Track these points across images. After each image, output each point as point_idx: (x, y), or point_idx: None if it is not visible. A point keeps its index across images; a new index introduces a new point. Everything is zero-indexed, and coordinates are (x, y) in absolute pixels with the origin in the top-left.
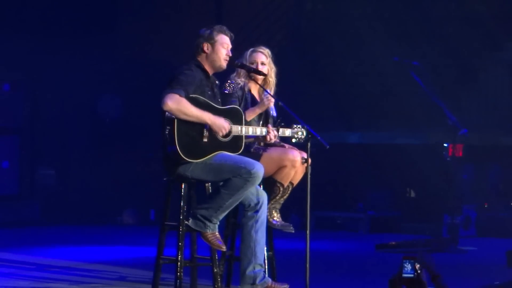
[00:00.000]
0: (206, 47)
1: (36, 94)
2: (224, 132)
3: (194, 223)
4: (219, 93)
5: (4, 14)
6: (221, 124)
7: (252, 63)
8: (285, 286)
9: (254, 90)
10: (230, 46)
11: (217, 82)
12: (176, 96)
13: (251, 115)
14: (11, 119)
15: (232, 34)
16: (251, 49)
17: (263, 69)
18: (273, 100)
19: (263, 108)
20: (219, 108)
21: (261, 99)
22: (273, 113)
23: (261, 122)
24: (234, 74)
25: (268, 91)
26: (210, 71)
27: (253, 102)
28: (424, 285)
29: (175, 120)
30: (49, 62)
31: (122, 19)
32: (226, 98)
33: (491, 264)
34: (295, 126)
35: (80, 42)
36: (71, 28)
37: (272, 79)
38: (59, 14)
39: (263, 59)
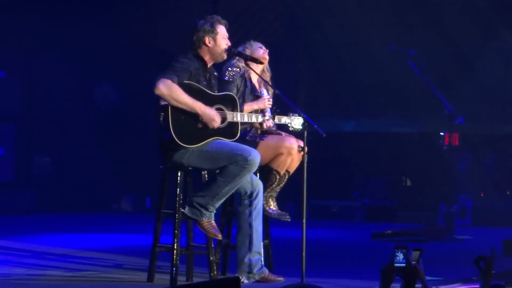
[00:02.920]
0: (208, 40)
1: (32, 81)
2: (215, 125)
3: (190, 211)
4: (216, 84)
5: (0, 1)
6: (210, 117)
7: (260, 47)
8: (281, 279)
9: (254, 77)
10: (227, 35)
11: (215, 73)
12: (168, 81)
13: (248, 109)
14: (7, 106)
15: (226, 22)
16: (251, 40)
17: (266, 53)
18: (271, 103)
19: (261, 107)
20: (213, 95)
21: (260, 99)
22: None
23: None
24: (235, 60)
25: (265, 92)
26: (210, 62)
27: (252, 90)
28: (419, 274)
29: (169, 106)
30: (45, 49)
31: (119, 6)
32: (224, 85)
33: (487, 253)
34: (291, 114)
35: (77, 29)
36: (68, 15)
37: (269, 72)
38: (56, 1)
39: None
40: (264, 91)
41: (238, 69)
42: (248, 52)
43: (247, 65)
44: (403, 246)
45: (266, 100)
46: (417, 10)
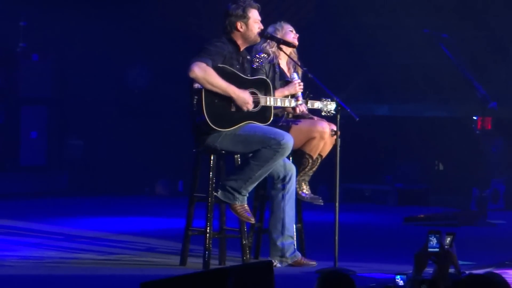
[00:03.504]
0: (239, 25)
1: (64, 64)
2: (249, 107)
3: (223, 194)
4: (249, 68)
5: None
6: (244, 100)
7: (291, 30)
8: (314, 263)
9: (283, 62)
10: (260, 19)
11: (248, 57)
12: (203, 65)
13: (279, 95)
14: (39, 89)
15: (259, 5)
16: (282, 21)
17: (296, 38)
18: (302, 87)
19: (292, 92)
20: (246, 78)
21: (290, 84)
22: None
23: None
24: (264, 44)
25: (296, 76)
26: (243, 46)
27: (281, 76)
28: (452, 258)
29: (203, 90)
30: (77, 32)
31: None
32: (253, 74)
33: None
34: (323, 99)
35: (108, 12)
36: None
37: (296, 55)
38: None
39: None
40: (295, 75)
41: (266, 55)
42: (279, 34)
43: (280, 48)
44: (437, 231)
45: (297, 85)
46: None
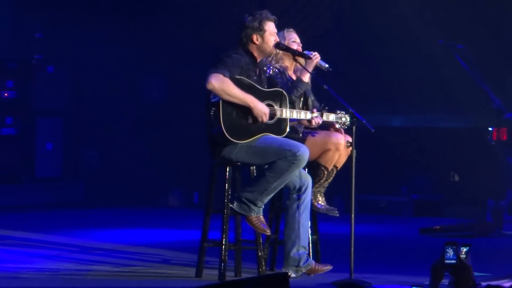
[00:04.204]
0: (255, 38)
1: (80, 75)
2: (265, 119)
3: (238, 206)
4: (266, 79)
5: None
6: (262, 110)
7: (294, 41)
8: (329, 267)
9: (290, 71)
10: (276, 31)
11: (265, 68)
12: (220, 76)
13: (306, 76)
14: (55, 101)
15: (275, 18)
16: (285, 29)
17: (300, 47)
18: (318, 55)
19: (313, 65)
20: (263, 90)
21: (307, 61)
22: (325, 64)
23: (300, 105)
24: (269, 58)
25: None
26: (259, 58)
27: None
28: (468, 269)
29: (220, 101)
30: (93, 43)
31: (169, 0)
32: (270, 81)
33: None
34: (338, 111)
35: (124, 23)
36: (116, 9)
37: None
38: None
39: (298, 39)
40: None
41: (275, 69)
42: (284, 43)
43: (295, 60)
44: (453, 242)
45: (314, 57)
46: (465, 4)
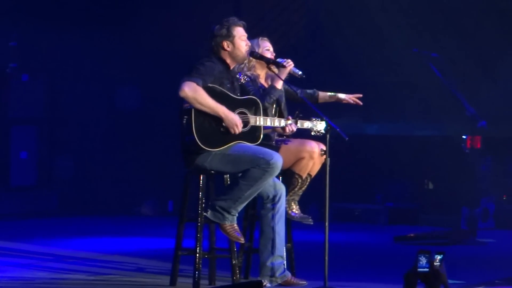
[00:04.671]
0: (226, 45)
1: (54, 84)
2: (237, 131)
3: (212, 214)
4: (239, 87)
5: (22, 4)
6: (233, 121)
7: (268, 49)
8: (304, 282)
9: (262, 79)
10: (246, 35)
11: (237, 76)
12: (193, 84)
13: (279, 83)
14: (29, 109)
15: (244, 23)
16: (259, 37)
17: (273, 56)
18: (291, 62)
19: (286, 72)
20: (236, 98)
21: (279, 69)
22: (298, 71)
23: (273, 112)
24: (241, 65)
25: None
26: (232, 65)
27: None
28: (441, 278)
29: (193, 109)
30: (67, 52)
31: (143, 8)
32: (242, 89)
33: (510, 256)
34: (313, 118)
35: (98, 32)
36: (90, 17)
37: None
38: (78, 3)
39: (271, 47)
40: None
41: (246, 77)
42: (259, 51)
43: (269, 68)
44: (426, 251)
45: (286, 63)
46: (439, 13)
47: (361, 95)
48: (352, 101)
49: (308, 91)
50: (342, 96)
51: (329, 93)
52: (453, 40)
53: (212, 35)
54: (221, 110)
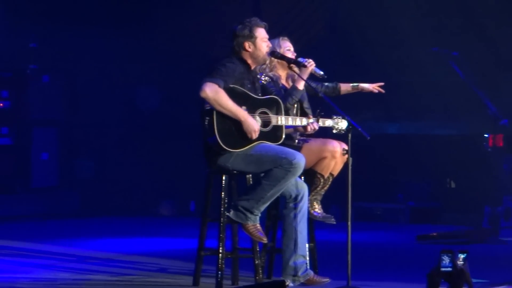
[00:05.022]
0: (248, 45)
1: (74, 85)
2: (254, 136)
3: (235, 214)
4: (260, 87)
5: (43, 6)
6: (251, 127)
7: (289, 49)
8: (326, 280)
9: (283, 79)
10: (267, 37)
11: (258, 76)
12: (215, 86)
13: (301, 83)
14: (50, 111)
15: (266, 24)
16: (280, 37)
17: (294, 56)
18: (313, 62)
19: (308, 72)
20: (257, 98)
21: (301, 69)
22: (320, 72)
23: (295, 111)
24: (263, 66)
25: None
26: (253, 65)
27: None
28: (465, 277)
29: (215, 110)
30: (87, 53)
31: (162, 9)
32: (264, 90)
33: None
34: (335, 116)
35: (118, 33)
36: (109, 18)
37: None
38: (98, 4)
39: (292, 47)
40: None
41: (267, 77)
42: (280, 52)
43: (290, 68)
44: (449, 250)
45: (307, 63)
46: (459, 11)
47: (382, 83)
48: (375, 90)
49: (329, 84)
50: (365, 85)
51: (351, 84)
52: (473, 38)
53: (234, 35)
54: (241, 114)
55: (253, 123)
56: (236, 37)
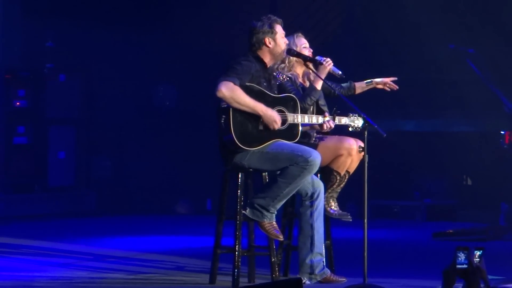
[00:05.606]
0: (268, 41)
1: (91, 84)
2: (276, 127)
3: (251, 212)
4: (276, 85)
5: (59, 5)
6: (272, 118)
7: (305, 46)
8: (343, 279)
9: (301, 78)
10: (284, 33)
11: (274, 73)
12: (231, 84)
13: (319, 83)
14: (66, 109)
15: (282, 20)
16: (295, 34)
17: (310, 53)
18: (331, 61)
19: (326, 72)
20: (274, 96)
21: (319, 68)
22: (338, 71)
23: (311, 110)
24: (282, 65)
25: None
26: (270, 63)
27: (304, 90)
28: (481, 274)
29: (231, 108)
30: (104, 52)
31: (179, 7)
32: (282, 88)
33: None
34: (351, 114)
35: (136, 32)
36: (127, 17)
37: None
38: (114, 3)
39: (307, 43)
40: (317, 57)
41: (285, 76)
42: (296, 49)
43: (306, 65)
44: (465, 247)
45: (326, 63)
46: (475, 8)
47: (396, 78)
48: (387, 89)
49: (344, 85)
50: (378, 80)
51: (365, 81)
52: (490, 35)
53: (253, 31)
54: (260, 107)
55: (273, 114)
56: (256, 33)
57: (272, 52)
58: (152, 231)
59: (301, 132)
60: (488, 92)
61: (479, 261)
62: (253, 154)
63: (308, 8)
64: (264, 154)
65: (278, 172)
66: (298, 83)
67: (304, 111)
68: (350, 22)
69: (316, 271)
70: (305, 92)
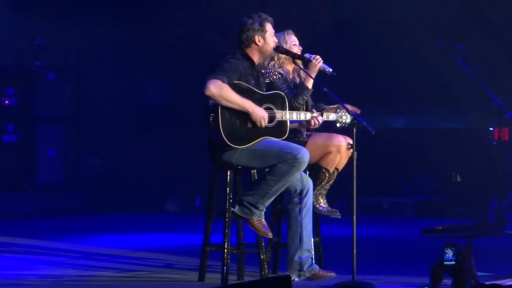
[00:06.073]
0: (258, 39)
1: (80, 82)
2: (263, 123)
3: (240, 210)
4: (264, 82)
5: (48, 3)
6: (260, 115)
7: (295, 44)
8: (332, 274)
9: (291, 74)
10: (274, 32)
11: (262, 71)
12: (219, 82)
13: (310, 82)
14: (56, 108)
15: (272, 19)
16: (285, 31)
17: (300, 50)
18: (320, 59)
19: (316, 70)
20: (262, 94)
21: (309, 66)
22: (328, 68)
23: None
24: (271, 62)
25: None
26: (258, 61)
27: (295, 86)
28: (470, 270)
29: (219, 106)
30: (93, 50)
31: (168, 5)
32: (275, 86)
33: None
34: (339, 110)
35: (124, 29)
36: (116, 14)
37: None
38: (103, 1)
39: (297, 41)
40: (306, 55)
41: (278, 74)
42: (285, 46)
43: (295, 63)
44: (452, 244)
45: (315, 61)
46: (464, 5)
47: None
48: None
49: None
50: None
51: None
52: (478, 32)
53: (243, 28)
54: (248, 105)
55: (260, 111)
56: (246, 31)
57: (261, 51)
58: (141, 228)
59: (290, 129)
60: (477, 89)
61: (468, 258)
62: (242, 151)
63: (296, 5)
64: (252, 151)
65: (267, 169)
66: (290, 80)
67: (297, 110)
68: (338, 19)
69: (305, 268)
70: (296, 91)
